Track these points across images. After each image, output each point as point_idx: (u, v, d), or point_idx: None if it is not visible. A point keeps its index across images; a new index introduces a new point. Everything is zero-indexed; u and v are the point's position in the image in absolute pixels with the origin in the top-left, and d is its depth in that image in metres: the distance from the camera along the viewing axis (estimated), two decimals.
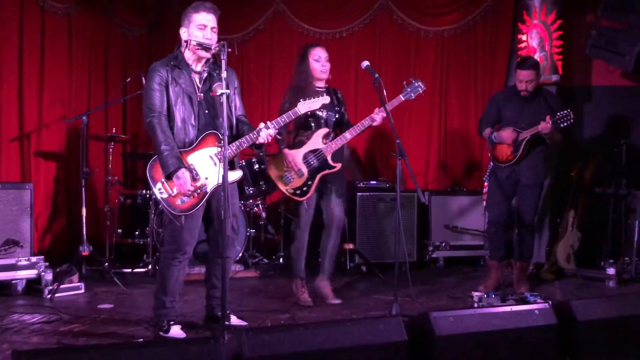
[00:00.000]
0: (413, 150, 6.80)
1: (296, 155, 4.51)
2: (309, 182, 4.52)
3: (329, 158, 4.53)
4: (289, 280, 4.77)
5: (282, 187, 4.53)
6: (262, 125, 3.74)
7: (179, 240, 3.69)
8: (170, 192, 3.61)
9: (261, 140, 3.73)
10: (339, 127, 4.74)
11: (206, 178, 3.66)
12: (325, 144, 4.55)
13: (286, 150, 4.52)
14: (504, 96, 5.29)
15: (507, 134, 5.01)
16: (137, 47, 7.00)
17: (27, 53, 5.85)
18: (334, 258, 4.80)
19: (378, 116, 4.46)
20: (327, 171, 4.55)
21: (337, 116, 4.70)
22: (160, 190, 3.62)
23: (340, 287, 5.22)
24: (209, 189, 3.68)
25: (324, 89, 4.62)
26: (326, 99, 4.01)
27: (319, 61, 4.57)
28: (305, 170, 4.50)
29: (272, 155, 4.77)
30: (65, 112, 6.14)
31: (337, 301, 4.67)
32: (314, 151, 4.53)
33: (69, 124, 6.02)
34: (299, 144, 4.58)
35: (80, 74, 6.38)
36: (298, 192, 4.51)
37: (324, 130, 4.58)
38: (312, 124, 4.59)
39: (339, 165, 4.58)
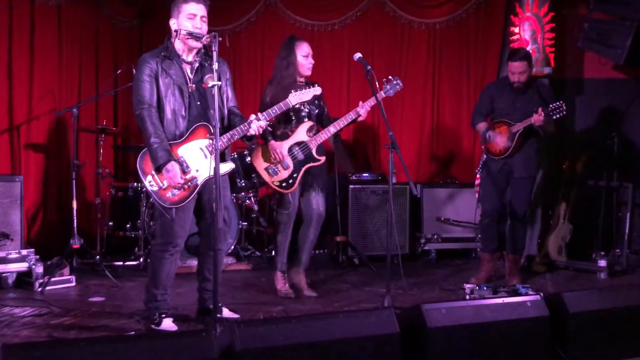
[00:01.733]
0: (405, 143, 6.80)
1: (282, 148, 4.50)
2: (295, 175, 4.52)
3: (314, 151, 4.55)
4: None
5: (267, 179, 4.52)
6: (253, 117, 3.73)
7: (170, 232, 3.67)
8: (161, 184, 3.59)
9: (252, 132, 3.72)
10: (320, 121, 4.74)
11: (197, 170, 3.64)
12: (309, 137, 4.56)
13: (273, 142, 4.51)
14: (496, 87, 5.29)
15: (501, 141, 5.01)
16: (128, 39, 6.95)
17: (16, 44, 5.79)
18: (311, 251, 4.80)
19: (363, 110, 4.49)
20: (312, 164, 4.56)
21: (317, 110, 4.70)
22: (150, 182, 3.61)
23: (333, 279, 5.23)
24: (200, 181, 3.66)
25: (304, 84, 4.59)
26: (317, 90, 4.01)
27: (307, 57, 4.57)
28: (290, 162, 4.50)
29: (257, 146, 4.73)
30: (55, 104, 6.09)
31: (313, 294, 4.66)
32: (299, 144, 4.54)
33: (59, 116, 5.97)
34: (283, 137, 4.56)
35: (71, 65, 6.33)
36: (284, 184, 4.51)
37: (308, 124, 4.58)
38: (293, 117, 4.57)
39: (323, 159, 4.60)
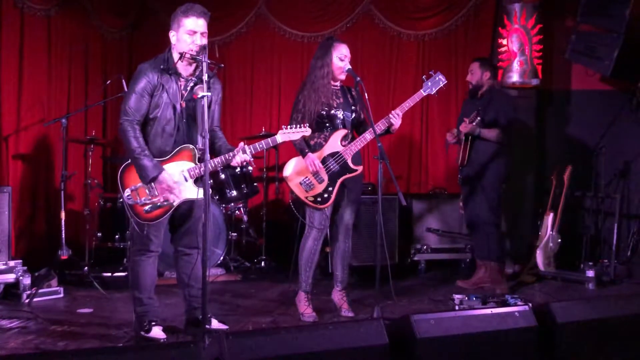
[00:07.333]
0: (394, 154, 6.82)
1: (316, 160, 4.23)
2: (330, 189, 4.24)
3: (349, 161, 4.28)
4: (271, 284, 4.73)
5: (301, 195, 4.24)
6: (241, 144, 3.71)
7: (145, 241, 3.75)
8: (138, 200, 3.63)
9: (234, 163, 3.71)
10: (355, 127, 4.47)
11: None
12: (344, 146, 4.29)
13: (310, 154, 4.22)
14: (466, 98, 5.52)
15: (449, 137, 5.45)
16: (118, 49, 6.95)
17: (5, 54, 5.78)
18: (345, 266, 4.50)
19: (397, 120, 4.27)
20: (348, 175, 4.29)
21: (353, 115, 4.41)
22: (128, 196, 3.64)
23: (321, 290, 5.21)
24: (176, 203, 3.68)
25: (339, 88, 4.39)
26: (307, 131, 3.83)
27: (343, 60, 4.28)
28: (325, 175, 4.25)
29: (288, 160, 4.42)
30: (44, 115, 6.07)
31: (350, 314, 4.41)
32: (333, 154, 4.27)
33: (48, 127, 5.95)
34: (317, 147, 4.30)
35: (60, 76, 6.32)
36: (319, 199, 4.24)
37: (342, 132, 4.31)
38: (327, 125, 4.30)
39: (360, 169, 4.34)
